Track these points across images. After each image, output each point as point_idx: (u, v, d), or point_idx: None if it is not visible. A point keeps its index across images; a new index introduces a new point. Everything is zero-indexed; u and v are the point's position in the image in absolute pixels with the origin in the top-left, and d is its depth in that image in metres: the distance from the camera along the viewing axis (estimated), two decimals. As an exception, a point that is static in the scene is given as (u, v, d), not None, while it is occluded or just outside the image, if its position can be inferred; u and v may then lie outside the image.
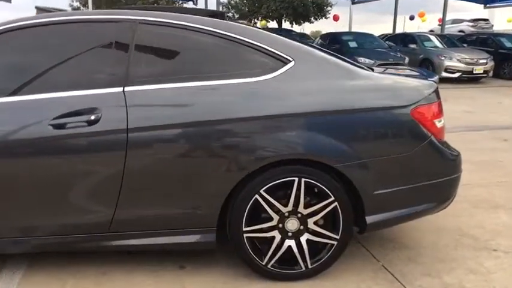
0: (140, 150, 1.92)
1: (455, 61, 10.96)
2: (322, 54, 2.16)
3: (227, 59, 2.06)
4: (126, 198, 1.96)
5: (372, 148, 1.99)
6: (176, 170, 1.95)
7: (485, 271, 2.23)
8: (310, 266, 2.07)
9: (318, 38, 14.17)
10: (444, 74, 10.92)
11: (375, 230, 2.24)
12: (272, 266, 2.07)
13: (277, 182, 1.97)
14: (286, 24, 23.89)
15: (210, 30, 2.04)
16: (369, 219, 2.05)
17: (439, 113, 2.12)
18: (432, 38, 12.74)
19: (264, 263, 2.06)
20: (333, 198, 1.97)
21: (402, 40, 13.15)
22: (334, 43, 11.86)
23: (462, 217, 2.89)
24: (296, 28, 25.36)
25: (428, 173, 2.10)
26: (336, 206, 1.99)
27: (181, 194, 1.99)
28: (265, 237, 2.06)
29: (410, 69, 2.54)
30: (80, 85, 1.97)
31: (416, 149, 2.02)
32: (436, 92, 2.13)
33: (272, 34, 2.19)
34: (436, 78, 2.20)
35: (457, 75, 10.96)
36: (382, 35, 15.30)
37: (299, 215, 2.02)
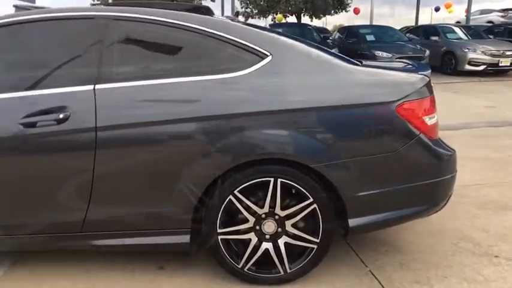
0: (109, 149, 1.86)
1: (479, 53, 10.47)
2: (304, 47, 2.04)
3: (201, 54, 1.98)
4: (98, 197, 1.91)
5: (353, 147, 1.86)
6: (146, 169, 1.88)
7: (482, 279, 2.06)
8: (289, 270, 1.96)
9: (335, 32, 13.82)
10: (468, 67, 10.48)
11: (359, 234, 2.12)
12: (249, 269, 1.98)
13: (252, 182, 1.87)
14: (305, 19, 23.46)
15: (184, 25, 1.96)
16: (352, 222, 1.91)
17: (430, 109, 1.96)
18: (456, 29, 12.23)
19: (240, 266, 1.97)
20: (311, 199, 1.86)
21: (424, 32, 12.68)
22: (351, 37, 11.57)
23: (466, 219, 2.71)
24: (317, 22, 24.71)
25: (417, 174, 1.95)
26: (315, 208, 1.87)
27: (152, 194, 1.92)
28: (241, 240, 1.97)
29: (404, 62, 2.37)
30: (52, 83, 1.92)
31: (402, 148, 1.87)
32: (428, 86, 1.97)
33: (250, 28, 2.09)
34: (428, 72, 2.04)
35: (481, 68, 10.47)
36: (404, 27, 14.82)
37: (276, 217, 1.92)
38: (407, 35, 12.44)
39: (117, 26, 1.97)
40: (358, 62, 2.12)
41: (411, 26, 15.32)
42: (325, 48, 2.14)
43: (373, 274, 2.10)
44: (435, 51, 10.89)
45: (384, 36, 11.31)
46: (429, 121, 1.94)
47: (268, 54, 1.92)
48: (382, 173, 1.90)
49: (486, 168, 3.73)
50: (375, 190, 1.89)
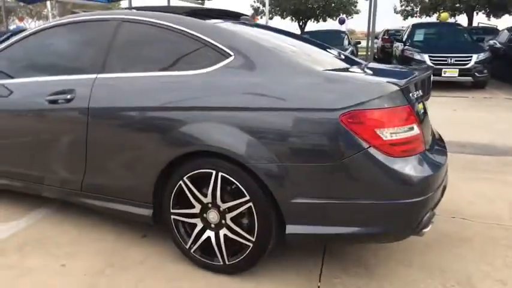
0: (95, 126, 2.24)
1: None
2: (269, 48, 2.05)
3: (174, 52, 2.19)
4: (90, 163, 2.31)
5: (293, 151, 1.81)
6: (118, 146, 2.20)
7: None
8: (227, 262, 2.04)
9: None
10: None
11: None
12: (194, 251, 2.12)
13: (198, 172, 1.99)
14: (480, 17, 20.61)
15: (164, 25, 2.22)
16: (289, 228, 1.88)
17: (394, 121, 1.76)
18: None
19: (187, 247, 2.13)
20: (248, 197, 1.90)
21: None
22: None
23: (483, 262, 2.23)
24: (495, 22, 20.95)
25: (367, 191, 1.78)
26: (251, 206, 1.90)
27: (123, 168, 2.21)
28: (189, 223, 2.12)
29: (396, 67, 2.23)
30: (72, 71, 2.41)
31: (344, 159, 1.74)
32: (394, 97, 1.78)
33: (219, 26, 2.23)
34: (403, 81, 1.83)
35: None
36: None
37: (220, 209, 2.01)
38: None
39: (124, 27, 2.33)
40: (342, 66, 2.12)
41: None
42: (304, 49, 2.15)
43: (318, 291, 2.00)
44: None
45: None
46: (389, 135, 1.75)
47: (232, 54, 2.01)
48: (321, 183, 1.81)
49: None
50: (312, 200, 1.82)
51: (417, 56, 9.48)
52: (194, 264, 2.15)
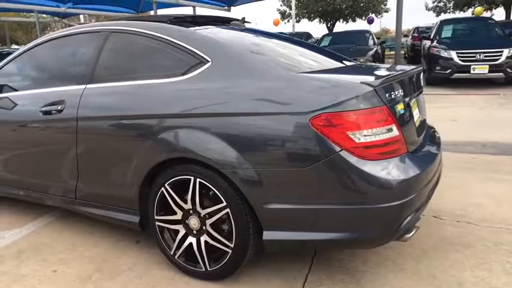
0: (83, 135, 2.31)
1: None
2: (244, 53, 2.04)
3: (155, 60, 2.22)
4: (81, 172, 2.38)
5: (266, 156, 1.78)
6: (104, 154, 2.25)
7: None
8: (209, 269, 2.04)
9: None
10: None
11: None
12: (178, 258, 2.14)
13: (177, 178, 2.00)
14: None
15: (146, 33, 2.26)
16: (266, 234, 1.85)
17: (368, 123, 1.70)
18: None
19: (172, 253, 2.15)
20: (225, 203, 1.89)
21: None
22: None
23: (479, 267, 2.12)
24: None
25: (341, 195, 1.71)
26: (228, 212, 1.89)
27: (110, 176, 2.25)
28: (172, 229, 2.14)
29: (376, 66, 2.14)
30: (65, 82, 2.50)
31: (316, 163, 1.70)
32: (367, 97, 1.71)
33: (197, 33, 2.22)
34: (378, 80, 1.76)
35: None
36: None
37: (201, 215, 2.01)
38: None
39: (113, 37, 2.39)
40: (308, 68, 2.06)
41: None
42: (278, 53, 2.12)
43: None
44: None
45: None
46: (362, 137, 1.69)
47: (209, 60, 2.01)
48: (293, 188, 1.76)
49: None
50: (287, 205, 1.79)
51: (444, 53, 9.12)
52: (179, 271, 2.16)
